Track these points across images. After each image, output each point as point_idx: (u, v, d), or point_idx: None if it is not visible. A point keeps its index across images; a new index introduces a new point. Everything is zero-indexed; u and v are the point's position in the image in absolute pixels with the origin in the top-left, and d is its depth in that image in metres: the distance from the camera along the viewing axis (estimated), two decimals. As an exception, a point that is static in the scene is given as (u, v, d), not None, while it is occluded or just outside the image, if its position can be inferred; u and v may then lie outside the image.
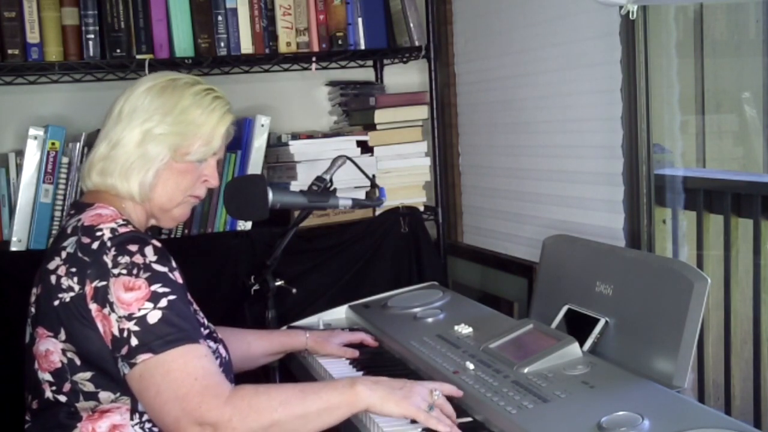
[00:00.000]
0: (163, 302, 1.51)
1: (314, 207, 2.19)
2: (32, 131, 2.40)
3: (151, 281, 1.52)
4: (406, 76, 3.09)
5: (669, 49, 2.36)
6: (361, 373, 1.95)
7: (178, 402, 1.46)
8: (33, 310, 1.64)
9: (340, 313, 2.41)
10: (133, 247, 1.55)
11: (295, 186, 2.60)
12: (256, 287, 2.18)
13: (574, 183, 2.32)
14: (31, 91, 2.69)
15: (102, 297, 1.51)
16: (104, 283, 1.52)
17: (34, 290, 1.65)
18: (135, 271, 1.52)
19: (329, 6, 2.76)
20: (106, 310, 1.51)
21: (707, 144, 2.83)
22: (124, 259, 1.53)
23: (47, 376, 1.58)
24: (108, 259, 1.53)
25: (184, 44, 2.59)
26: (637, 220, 2.09)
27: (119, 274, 1.51)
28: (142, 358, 1.48)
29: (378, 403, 1.55)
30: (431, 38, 2.86)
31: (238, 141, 2.62)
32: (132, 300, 1.50)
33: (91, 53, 2.50)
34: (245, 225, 2.62)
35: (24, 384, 1.69)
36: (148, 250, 1.56)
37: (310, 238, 2.67)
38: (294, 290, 2.21)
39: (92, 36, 2.50)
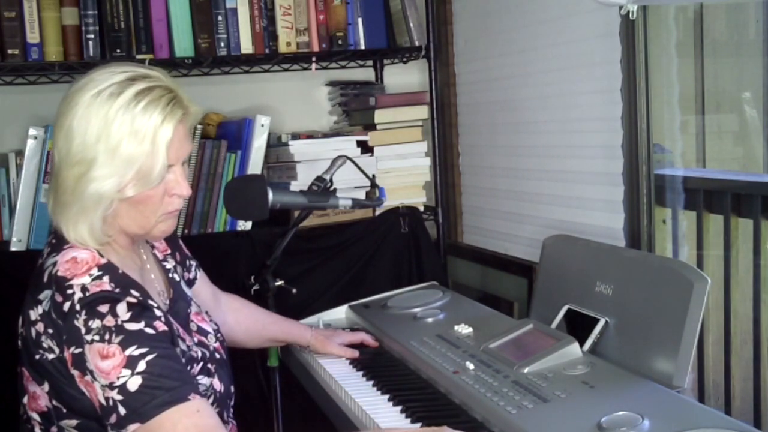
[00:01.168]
0: (141, 366, 1.40)
1: (314, 207, 2.19)
2: (32, 131, 2.41)
3: (124, 345, 1.41)
4: (406, 76, 3.09)
5: (669, 49, 2.36)
6: (361, 373, 1.95)
7: None
8: (20, 344, 1.57)
9: (340, 313, 2.41)
10: (104, 308, 1.43)
11: (295, 186, 2.61)
12: (256, 287, 2.18)
13: (574, 183, 2.32)
14: (31, 91, 2.69)
15: (81, 365, 1.43)
16: (80, 350, 1.43)
17: (20, 325, 1.56)
18: (107, 336, 1.41)
19: (329, 6, 2.76)
20: (88, 378, 1.43)
21: (707, 144, 2.83)
22: (96, 324, 1.42)
23: (35, 416, 1.55)
24: (80, 324, 1.43)
25: (184, 44, 2.59)
26: (637, 220, 2.09)
27: (92, 341, 1.41)
28: (131, 428, 1.40)
29: None
30: (431, 38, 2.86)
31: (238, 141, 2.62)
32: (109, 369, 1.40)
33: (91, 53, 2.50)
34: (245, 225, 2.62)
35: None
36: (120, 309, 1.44)
37: (310, 238, 2.67)
38: (294, 290, 2.21)
39: (92, 36, 2.50)
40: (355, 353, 2.06)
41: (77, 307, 1.43)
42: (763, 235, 2.11)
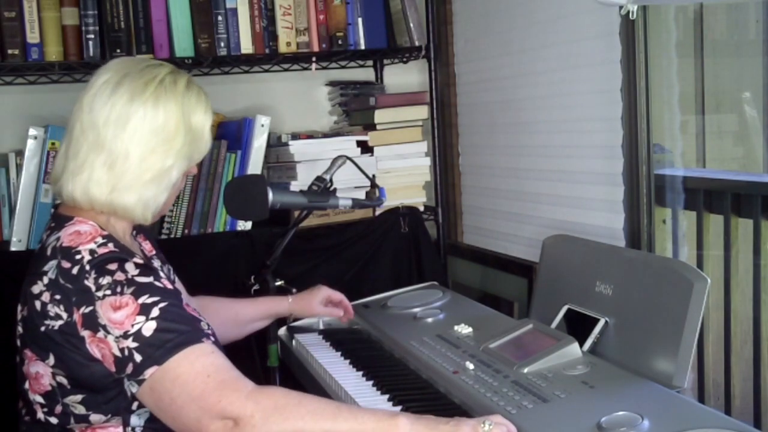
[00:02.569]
0: (155, 311, 1.46)
1: (314, 207, 2.19)
2: (32, 131, 2.41)
3: (137, 294, 1.47)
4: (406, 76, 3.09)
5: (669, 49, 2.36)
6: (360, 373, 1.94)
7: (194, 402, 1.42)
8: (20, 329, 1.60)
9: (340, 312, 2.41)
10: (113, 266, 1.50)
11: (295, 186, 2.60)
12: (256, 287, 2.18)
13: (574, 183, 2.32)
14: (31, 91, 2.69)
15: (92, 322, 1.47)
16: (91, 308, 1.47)
17: (20, 309, 1.60)
18: (119, 289, 1.47)
19: (329, 6, 2.76)
20: (101, 334, 1.47)
21: (707, 144, 2.83)
22: (106, 280, 1.48)
23: (38, 398, 1.56)
24: (90, 283, 1.48)
25: (184, 44, 2.59)
26: (637, 220, 2.09)
27: (104, 296, 1.47)
28: (148, 372, 1.44)
29: None
30: (431, 38, 2.86)
31: (238, 141, 2.62)
32: (123, 318, 1.45)
33: (91, 53, 2.50)
34: (245, 225, 2.62)
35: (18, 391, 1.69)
36: (129, 266, 1.51)
37: (310, 238, 2.67)
38: (294, 290, 2.21)
39: (92, 36, 2.50)
40: (339, 312, 2.09)
41: (87, 268, 1.49)
42: (763, 235, 2.11)
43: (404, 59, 2.96)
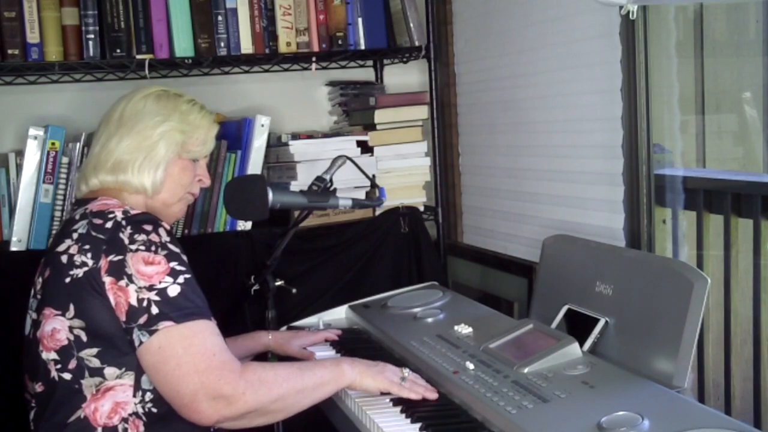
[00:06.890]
0: (181, 278, 1.60)
1: (314, 207, 2.19)
2: (32, 131, 2.40)
3: (169, 258, 1.61)
4: (406, 76, 3.09)
5: (669, 49, 2.36)
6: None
7: (198, 375, 1.53)
8: (39, 296, 1.68)
9: (340, 313, 2.41)
10: (148, 227, 1.63)
11: (295, 186, 2.60)
12: (256, 287, 2.18)
13: (574, 183, 2.33)
14: (31, 91, 2.69)
15: (118, 270, 1.57)
16: (121, 257, 1.58)
17: (40, 278, 1.69)
18: (153, 248, 1.60)
19: (329, 6, 2.76)
20: (123, 282, 1.57)
21: (707, 144, 2.83)
22: (141, 237, 1.61)
23: (52, 355, 1.62)
24: (124, 236, 1.60)
25: (184, 44, 2.59)
26: (637, 220, 2.09)
27: (137, 250, 1.59)
28: (163, 325, 1.55)
29: (358, 378, 1.73)
30: (431, 38, 2.86)
31: (238, 141, 2.62)
32: (153, 273, 1.58)
33: (91, 53, 2.50)
34: (245, 225, 2.62)
35: (23, 380, 1.70)
36: (162, 231, 1.64)
37: (310, 238, 2.66)
38: (294, 290, 2.21)
39: (92, 36, 2.50)
40: (312, 356, 2.08)
41: (123, 223, 1.63)
42: (763, 235, 2.11)
43: (404, 59, 2.96)
